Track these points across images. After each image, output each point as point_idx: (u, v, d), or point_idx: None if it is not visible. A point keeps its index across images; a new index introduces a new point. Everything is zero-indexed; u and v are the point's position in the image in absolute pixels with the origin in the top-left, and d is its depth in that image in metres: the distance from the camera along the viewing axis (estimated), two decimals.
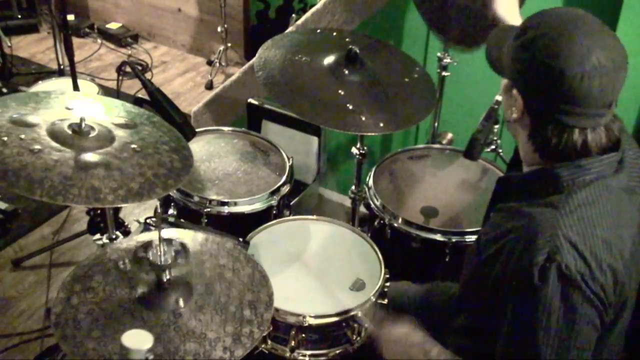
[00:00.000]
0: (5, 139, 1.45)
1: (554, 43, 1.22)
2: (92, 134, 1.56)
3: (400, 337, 1.56)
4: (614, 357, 1.41)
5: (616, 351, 1.41)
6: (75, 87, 2.82)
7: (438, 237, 2.04)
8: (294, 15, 3.69)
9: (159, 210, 1.46)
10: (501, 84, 1.39)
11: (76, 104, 1.68)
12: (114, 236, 2.02)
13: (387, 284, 1.84)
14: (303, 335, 1.74)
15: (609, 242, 1.24)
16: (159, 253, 1.40)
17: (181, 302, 1.41)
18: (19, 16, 4.57)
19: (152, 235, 1.51)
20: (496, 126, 2.33)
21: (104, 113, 1.69)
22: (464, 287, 1.53)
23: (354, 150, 2.28)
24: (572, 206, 1.25)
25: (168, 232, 1.62)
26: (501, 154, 2.47)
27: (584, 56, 1.19)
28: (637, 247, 1.31)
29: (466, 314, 1.51)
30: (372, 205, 2.17)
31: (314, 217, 2.11)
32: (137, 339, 1.15)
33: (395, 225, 2.08)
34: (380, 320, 1.66)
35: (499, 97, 1.98)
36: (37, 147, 1.46)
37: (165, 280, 1.42)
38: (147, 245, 1.42)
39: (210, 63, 4.35)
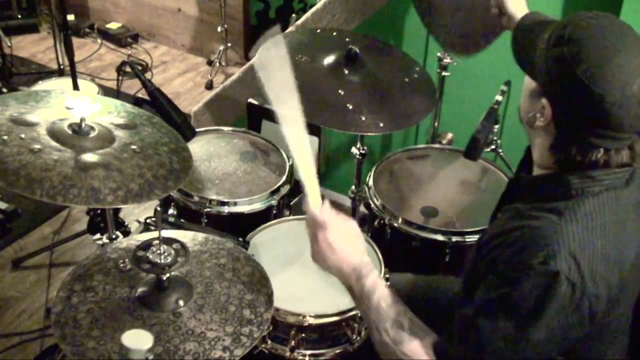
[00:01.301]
0: (6, 137, 1.45)
1: (597, 67, 1.18)
2: (92, 134, 1.56)
3: (337, 244, 1.39)
4: None
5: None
6: (75, 87, 2.82)
7: (438, 237, 2.04)
8: (294, 15, 3.69)
9: (158, 210, 1.46)
10: (525, 84, 1.36)
11: (76, 104, 1.68)
12: (114, 236, 2.02)
13: (387, 283, 1.84)
14: (303, 335, 1.74)
15: (608, 255, 1.23)
16: (159, 252, 1.40)
17: (181, 302, 1.42)
18: (19, 16, 4.56)
19: (152, 235, 1.51)
20: (496, 126, 2.33)
21: (103, 113, 1.69)
22: (464, 284, 1.53)
23: (354, 150, 2.27)
24: (577, 215, 1.24)
25: (168, 232, 1.62)
26: (501, 154, 2.47)
27: (625, 84, 1.17)
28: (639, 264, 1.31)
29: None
30: (372, 205, 2.17)
31: None
32: (137, 339, 1.15)
33: (395, 225, 2.08)
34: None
35: (499, 97, 1.98)
36: (37, 146, 1.46)
37: (165, 279, 1.42)
38: (147, 245, 1.42)
39: (210, 63, 4.35)
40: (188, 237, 1.63)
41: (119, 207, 2.08)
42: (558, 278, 1.18)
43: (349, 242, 1.41)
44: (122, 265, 1.51)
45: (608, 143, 1.23)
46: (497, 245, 1.30)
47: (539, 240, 1.22)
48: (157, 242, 1.41)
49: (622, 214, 1.27)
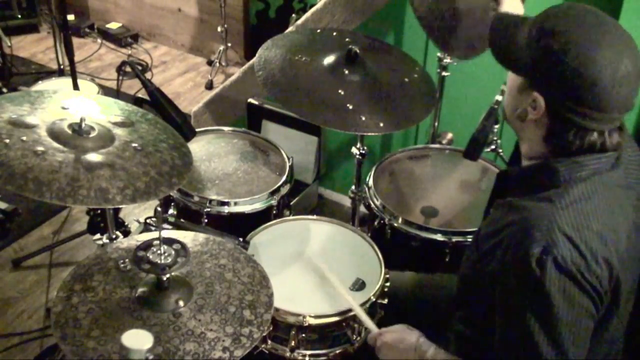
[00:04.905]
0: (7, 141, 1.44)
1: (585, 52, 1.21)
2: (93, 133, 1.55)
3: (395, 339, 1.57)
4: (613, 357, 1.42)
5: (614, 351, 1.42)
6: (75, 87, 2.82)
7: (438, 237, 2.04)
8: (294, 15, 3.69)
9: (159, 210, 1.46)
10: (509, 81, 1.38)
11: (71, 103, 1.67)
12: (114, 236, 2.02)
13: (387, 284, 1.85)
14: (303, 335, 1.74)
15: (604, 236, 1.25)
16: (159, 253, 1.40)
17: (181, 302, 1.41)
18: (19, 16, 4.57)
19: (152, 235, 1.51)
20: (496, 126, 2.32)
21: (100, 112, 1.68)
22: (462, 282, 1.53)
23: (354, 150, 2.27)
24: (568, 200, 1.26)
25: (168, 233, 1.62)
26: (501, 154, 2.47)
27: (615, 65, 1.21)
28: (633, 244, 1.32)
29: (464, 309, 1.51)
30: (372, 205, 2.17)
31: (314, 217, 2.11)
32: (137, 339, 1.15)
33: (395, 225, 2.08)
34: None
35: (499, 97, 1.98)
36: (40, 148, 1.45)
37: (165, 280, 1.42)
38: (147, 245, 1.42)
39: (210, 63, 4.35)
40: (188, 237, 1.63)
41: (122, 206, 2.08)
42: (564, 265, 1.20)
43: (404, 335, 1.58)
44: (122, 265, 1.51)
45: (602, 125, 1.26)
46: (497, 244, 1.32)
47: (534, 231, 1.23)
48: (157, 242, 1.41)
49: (612, 198, 1.30)
